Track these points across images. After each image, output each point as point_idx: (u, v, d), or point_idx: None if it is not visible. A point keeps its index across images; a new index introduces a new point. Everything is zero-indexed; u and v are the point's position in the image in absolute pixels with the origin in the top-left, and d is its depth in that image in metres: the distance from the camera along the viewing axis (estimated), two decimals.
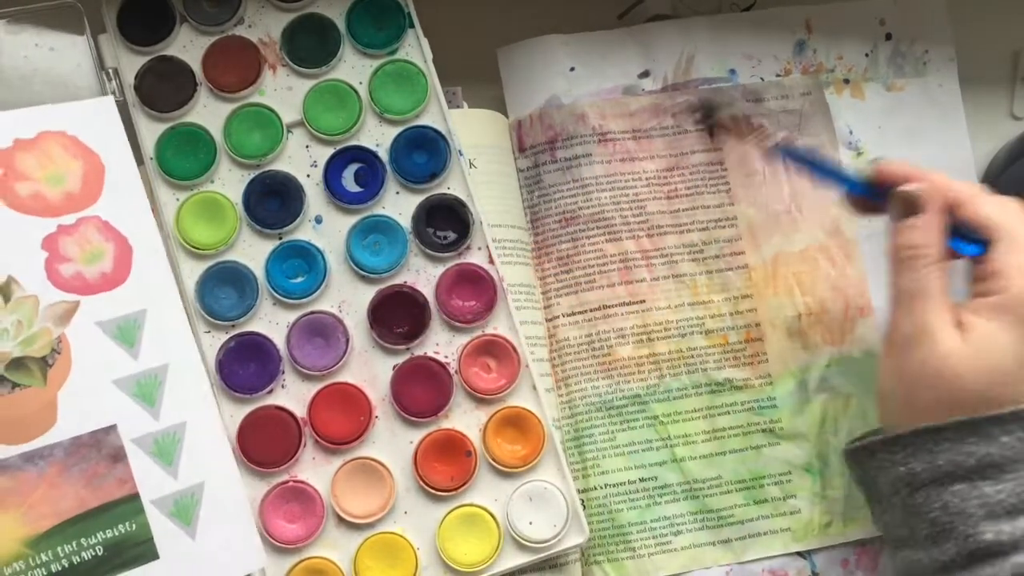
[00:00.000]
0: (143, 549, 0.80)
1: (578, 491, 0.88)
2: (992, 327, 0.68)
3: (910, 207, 0.74)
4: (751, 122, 0.91)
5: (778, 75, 0.96)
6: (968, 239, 0.74)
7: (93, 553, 0.79)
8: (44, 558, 0.78)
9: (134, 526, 0.80)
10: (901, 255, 0.73)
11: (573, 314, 0.91)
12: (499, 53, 0.94)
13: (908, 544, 0.71)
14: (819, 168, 0.83)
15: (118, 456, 0.80)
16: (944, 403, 0.68)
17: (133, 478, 0.80)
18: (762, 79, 0.96)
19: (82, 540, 0.79)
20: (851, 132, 0.96)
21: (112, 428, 0.80)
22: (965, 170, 0.97)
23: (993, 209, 0.73)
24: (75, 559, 0.79)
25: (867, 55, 0.97)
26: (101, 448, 0.80)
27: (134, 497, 0.80)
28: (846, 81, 0.97)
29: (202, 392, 0.83)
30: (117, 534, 0.80)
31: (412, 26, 0.88)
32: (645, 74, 0.95)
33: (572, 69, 0.94)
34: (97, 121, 0.84)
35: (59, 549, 0.78)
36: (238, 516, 0.82)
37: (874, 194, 0.79)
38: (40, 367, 0.80)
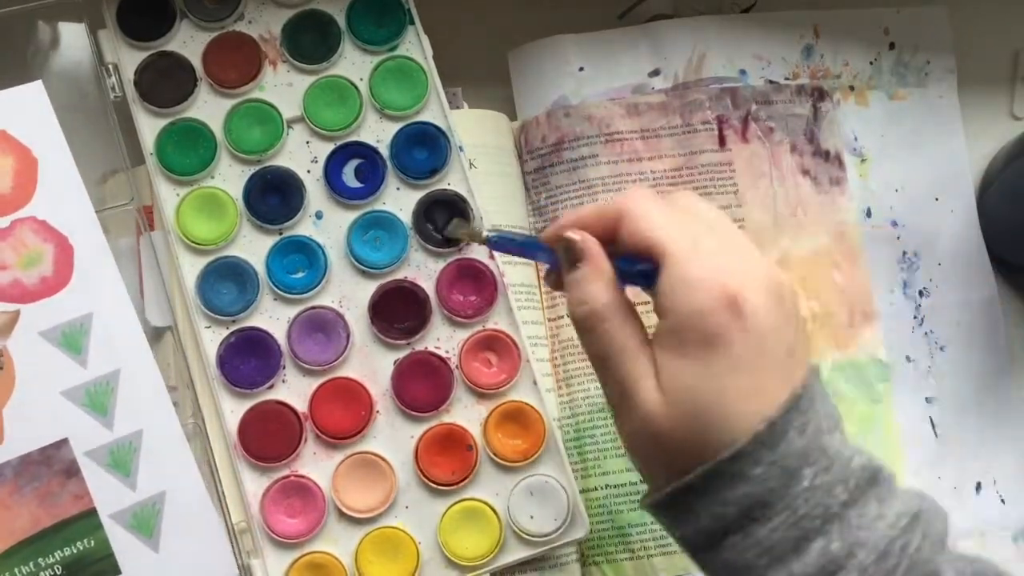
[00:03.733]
0: (104, 565, 0.79)
1: (580, 491, 0.87)
2: (675, 364, 0.59)
3: (573, 260, 0.65)
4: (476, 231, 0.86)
5: (787, 78, 0.96)
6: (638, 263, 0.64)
7: (52, 572, 0.79)
8: None
9: (93, 542, 0.79)
10: (574, 317, 0.64)
11: None
12: (510, 56, 0.94)
13: None
14: (520, 246, 0.76)
15: (71, 471, 0.79)
16: (670, 467, 0.59)
17: (89, 493, 0.79)
18: (771, 81, 0.96)
19: (39, 560, 0.78)
20: (856, 139, 0.96)
21: (63, 442, 0.79)
22: (961, 181, 0.98)
23: (654, 221, 0.62)
24: None
25: (871, 63, 0.97)
26: (52, 464, 0.79)
27: (91, 512, 0.79)
28: (851, 88, 0.97)
29: (158, 396, 0.82)
30: (76, 551, 0.79)
31: (412, 22, 0.88)
32: (655, 72, 0.95)
33: (581, 69, 0.94)
34: (26, 110, 0.82)
35: (16, 571, 0.78)
36: (204, 524, 0.82)
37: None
38: None
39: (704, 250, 0.60)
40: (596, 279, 0.63)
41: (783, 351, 0.59)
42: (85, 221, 0.82)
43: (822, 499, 0.56)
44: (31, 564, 0.78)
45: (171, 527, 0.81)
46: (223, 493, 0.83)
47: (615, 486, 0.89)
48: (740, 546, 0.57)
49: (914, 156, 0.97)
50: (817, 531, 0.56)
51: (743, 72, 0.95)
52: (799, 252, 0.93)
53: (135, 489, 0.80)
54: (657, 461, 0.61)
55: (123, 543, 0.80)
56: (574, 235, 0.64)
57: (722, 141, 0.94)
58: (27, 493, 0.78)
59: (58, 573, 0.79)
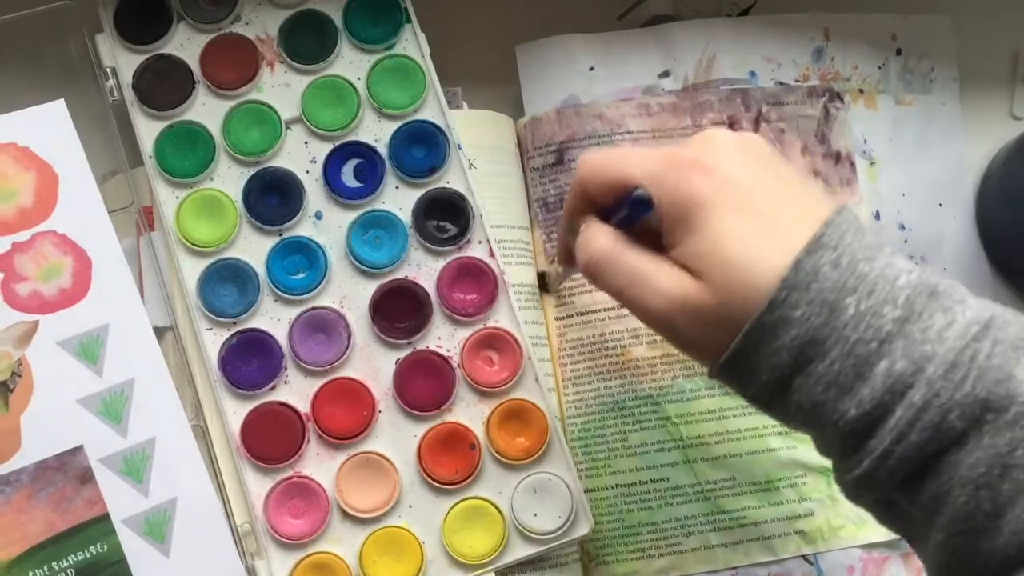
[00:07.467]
0: (116, 570, 0.80)
1: (588, 490, 0.88)
2: (681, 247, 0.62)
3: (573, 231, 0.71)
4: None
5: (796, 80, 0.96)
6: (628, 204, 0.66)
7: None
8: None
9: (106, 547, 0.80)
10: (586, 272, 0.68)
11: (586, 313, 0.90)
12: (517, 50, 0.94)
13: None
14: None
15: (86, 477, 0.80)
16: (721, 337, 0.61)
17: (103, 499, 0.80)
18: (781, 83, 0.95)
19: (53, 564, 0.79)
20: (865, 141, 0.96)
21: (79, 449, 0.80)
22: (962, 188, 0.99)
23: (606, 167, 0.67)
24: None
25: (880, 67, 0.97)
26: (68, 470, 0.80)
27: (104, 518, 0.80)
28: (860, 91, 0.97)
29: (171, 405, 0.82)
30: (89, 556, 0.80)
31: (409, 21, 0.88)
32: (665, 74, 0.95)
33: (591, 68, 0.94)
34: (49, 128, 0.83)
35: (31, 574, 0.79)
36: (214, 530, 0.82)
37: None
38: (1, 392, 0.79)
39: (657, 154, 0.64)
40: (590, 230, 0.67)
41: (789, 193, 0.62)
42: (103, 235, 0.83)
43: (872, 322, 0.57)
44: (45, 568, 0.79)
45: (182, 533, 0.81)
46: (226, 495, 0.83)
47: (625, 486, 0.88)
48: (804, 386, 0.59)
49: (918, 161, 0.98)
50: (876, 354, 0.57)
51: (753, 74, 0.95)
52: None
53: (147, 495, 0.81)
54: (710, 339, 0.62)
55: (135, 548, 0.80)
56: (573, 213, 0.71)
57: None
58: (43, 498, 0.79)
59: None
